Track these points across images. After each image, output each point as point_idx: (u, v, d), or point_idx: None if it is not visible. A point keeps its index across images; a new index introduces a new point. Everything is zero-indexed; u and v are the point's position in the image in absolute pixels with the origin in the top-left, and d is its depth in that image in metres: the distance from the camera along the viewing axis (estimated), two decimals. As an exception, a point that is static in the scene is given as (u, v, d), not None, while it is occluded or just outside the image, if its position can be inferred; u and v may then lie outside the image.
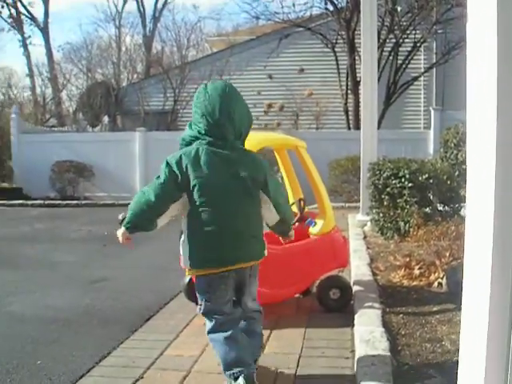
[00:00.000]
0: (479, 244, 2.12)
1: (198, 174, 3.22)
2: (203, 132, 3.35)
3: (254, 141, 4.97)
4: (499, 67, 1.98)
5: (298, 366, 3.71)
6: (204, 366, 3.74)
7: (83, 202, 15.31)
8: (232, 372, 3.14)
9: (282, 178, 5.68)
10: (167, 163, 3.33)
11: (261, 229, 3.50)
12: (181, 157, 3.31)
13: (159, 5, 32.31)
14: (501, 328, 2.05)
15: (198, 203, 3.22)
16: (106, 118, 21.11)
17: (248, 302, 3.50)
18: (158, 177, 3.32)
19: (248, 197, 3.32)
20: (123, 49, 24.47)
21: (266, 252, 3.56)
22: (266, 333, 4.33)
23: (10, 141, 17.05)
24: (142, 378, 3.61)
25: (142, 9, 31.83)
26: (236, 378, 3.10)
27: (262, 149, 5.32)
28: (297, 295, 5.15)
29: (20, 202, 15.03)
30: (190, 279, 4.99)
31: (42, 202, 15.03)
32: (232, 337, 3.23)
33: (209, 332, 3.38)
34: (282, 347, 4.07)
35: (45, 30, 29.07)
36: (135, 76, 23.31)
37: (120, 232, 3.53)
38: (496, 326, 2.05)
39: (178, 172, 3.26)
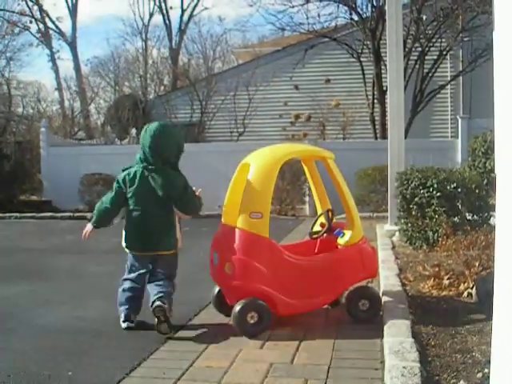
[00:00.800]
0: (510, 253, 2.11)
1: (131, 188, 4.97)
2: (141, 159, 5.02)
3: (281, 153, 5.01)
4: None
5: (327, 377, 3.71)
6: (234, 378, 3.75)
7: (112, 214, 15.39)
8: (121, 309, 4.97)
9: (310, 188, 5.70)
10: (117, 180, 5.10)
11: (169, 228, 5.01)
12: (125, 176, 5.04)
13: (185, 17, 32.62)
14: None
15: (130, 207, 5.03)
16: (133, 131, 21.26)
17: (158, 274, 5.04)
18: (112, 190, 5.13)
19: (159, 205, 4.93)
20: (150, 62, 24.70)
21: (176, 245, 5.09)
22: (294, 344, 4.36)
23: (39, 154, 17.26)
24: (173, 389, 3.63)
25: (168, 22, 32.14)
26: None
27: (289, 160, 5.36)
28: (326, 306, 5.15)
29: (49, 214, 15.15)
30: (219, 290, 5.03)
31: (71, 214, 15.12)
32: (126, 290, 5.05)
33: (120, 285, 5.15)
34: (311, 358, 4.07)
35: (73, 45, 29.46)
36: (162, 88, 23.48)
37: (88, 226, 5.36)
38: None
39: (122, 186, 5.03)
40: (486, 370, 3.20)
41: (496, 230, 2.25)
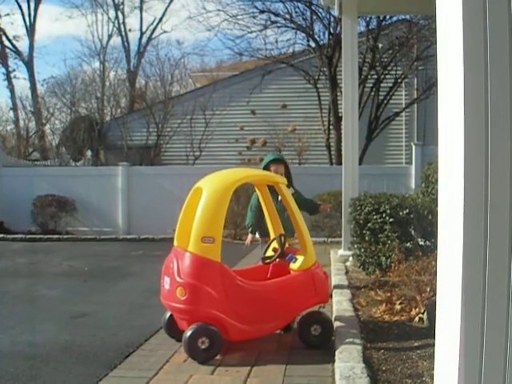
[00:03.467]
0: (450, 279, 2.14)
1: None
2: None
3: (233, 177, 5.00)
4: (466, 107, 2.03)
5: (278, 403, 3.69)
6: (183, 404, 3.71)
7: (65, 236, 15.19)
8: None
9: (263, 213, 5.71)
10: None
11: None
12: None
13: (144, 40, 32.57)
14: (472, 362, 2.06)
15: None
16: (89, 153, 21.07)
17: None
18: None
19: None
20: (107, 83, 24.53)
21: None
22: (246, 369, 4.33)
23: (-8, 174, 16.98)
24: (121, 416, 3.56)
25: (126, 44, 32.06)
26: None
27: (242, 184, 5.36)
28: (278, 331, 5.13)
29: (1, 236, 14.88)
30: (171, 315, 4.97)
31: (23, 236, 14.88)
32: None
33: None
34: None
35: (29, 64, 29.10)
36: (119, 111, 23.34)
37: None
38: (468, 360, 2.07)
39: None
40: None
41: (438, 256, 2.28)
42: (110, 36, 32.03)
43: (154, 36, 32.97)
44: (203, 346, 4.47)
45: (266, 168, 6.21)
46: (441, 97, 2.24)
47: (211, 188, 4.77)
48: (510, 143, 2.03)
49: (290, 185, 5.99)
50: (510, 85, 2.02)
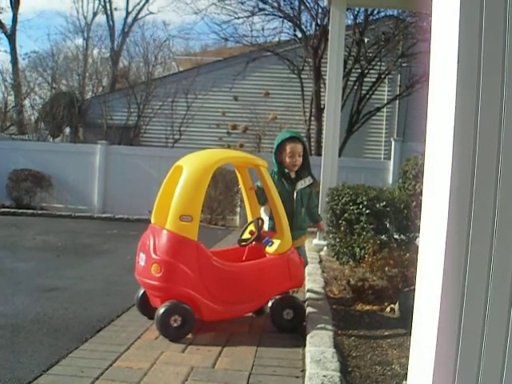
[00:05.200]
0: (430, 272, 2.16)
1: None
2: None
3: (214, 157, 5.00)
4: (457, 103, 2.04)
5: (248, 382, 3.70)
6: (153, 379, 3.71)
7: (39, 211, 15.08)
8: None
9: (242, 199, 5.71)
10: None
11: None
12: None
13: (129, 20, 32.35)
14: (448, 354, 2.09)
15: None
16: (67, 129, 20.90)
17: None
18: None
19: None
20: (90, 61, 24.35)
21: None
22: (217, 349, 4.35)
23: (-34, 146, 16.79)
24: (90, 387, 3.56)
25: (111, 23, 31.82)
26: None
27: (223, 165, 5.35)
28: (250, 314, 5.15)
29: (-26, 208, 14.76)
30: (144, 292, 4.96)
31: (-4, 209, 14.78)
32: None
33: None
34: (232, 364, 4.05)
35: (11, 37, 28.76)
36: (100, 89, 23.18)
37: None
38: (443, 352, 2.09)
39: None
40: (404, 383, 3.25)
41: (419, 249, 2.30)
42: (95, 13, 31.84)
43: (139, 16, 32.84)
44: (175, 324, 4.48)
45: (280, 146, 5.53)
46: (431, 95, 2.25)
47: (192, 167, 4.76)
48: (497, 141, 2.04)
49: (308, 173, 5.66)
50: (501, 89, 2.04)
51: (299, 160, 5.50)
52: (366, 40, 17.82)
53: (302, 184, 5.54)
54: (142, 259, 4.74)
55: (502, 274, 2.05)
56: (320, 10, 17.53)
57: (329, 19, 10.41)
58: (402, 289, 5.56)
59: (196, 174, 4.69)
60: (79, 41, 32.17)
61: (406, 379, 2.64)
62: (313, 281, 6.38)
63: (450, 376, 2.09)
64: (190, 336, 4.58)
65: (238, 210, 14.53)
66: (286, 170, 5.54)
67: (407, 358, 2.54)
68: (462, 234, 2.05)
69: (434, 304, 2.12)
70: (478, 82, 2.03)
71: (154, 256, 4.56)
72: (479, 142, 2.04)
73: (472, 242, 2.05)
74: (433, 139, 2.22)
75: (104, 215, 15.06)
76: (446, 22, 2.12)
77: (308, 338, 4.32)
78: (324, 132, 9.90)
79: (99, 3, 32.08)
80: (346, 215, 7.56)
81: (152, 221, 4.94)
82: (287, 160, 5.48)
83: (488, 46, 2.03)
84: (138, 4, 33.03)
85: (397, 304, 5.27)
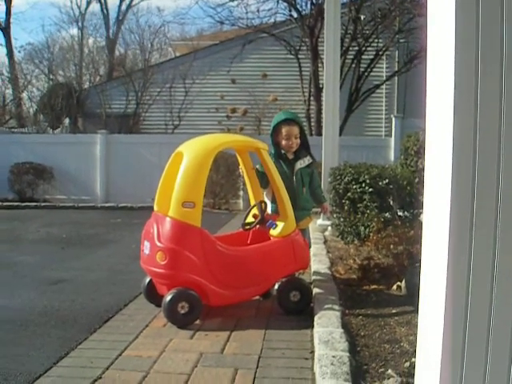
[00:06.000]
0: (435, 247, 2.15)
1: None
2: None
3: (215, 142, 4.98)
4: (456, 75, 2.02)
5: (257, 366, 3.70)
6: (163, 367, 3.71)
7: (42, 204, 15.10)
8: None
9: (244, 182, 5.69)
10: None
11: None
12: None
13: (123, 7, 32.20)
14: (455, 329, 2.08)
15: None
16: (67, 120, 20.85)
17: None
18: None
19: None
20: (86, 51, 24.23)
21: None
22: (225, 334, 4.35)
23: (-33, 141, 16.77)
24: (101, 378, 3.55)
25: (105, 11, 31.67)
26: None
27: (223, 149, 5.33)
28: (257, 297, 5.15)
29: (-23, 203, 14.76)
30: (150, 280, 4.96)
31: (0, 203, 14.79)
32: None
33: None
34: (241, 348, 4.06)
35: (6, 30, 28.65)
36: (97, 78, 23.09)
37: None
38: (451, 327, 2.08)
39: None
40: (414, 360, 3.25)
41: (423, 226, 2.29)
42: (88, 2, 31.69)
43: (133, 3, 32.68)
44: (183, 311, 4.48)
45: (276, 129, 5.49)
46: (430, 63, 2.23)
47: (192, 153, 4.74)
48: (498, 117, 2.02)
49: (307, 152, 5.62)
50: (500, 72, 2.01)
51: (296, 142, 5.47)
52: (362, 17, 17.71)
53: (300, 164, 5.50)
54: (146, 247, 4.74)
55: (509, 246, 2.04)
56: (315, -11, 17.42)
57: (324, -2, 10.33)
58: (408, 266, 5.54)
59: (196, 160, 4.67)
60: (74, 31, 32.09)
61: (415, 356, 2.64)
62: (318, 261, 6.37)
63: (458, 352, 2.08)
64: (197, 322, 4.59)
65: (241, 193, 14.51)
66: (283, 152, 5.51)
67: (415, 335, 2.53)
68: (465, 210, 2.04)
69: (439, 281, 2.11)
70: (477, 58, 2.01)
71: (158, 244, 4.55)
72: (480, 119, 2.02)
73: (476, 218, 2.04)
74: (433, 115, 2.20)
75: (107, 204, 15.07)
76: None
77: (316, 319, 4.32)
78: (323, 111, 9.86)
79: (93, -9, 31.93)
80: (349, 194, 7.53)
81: (155, 208, 4.93)
82: (283, 142, 5.46)
83: (486, 19, 2.00)
84: (132, -9, 32.85)
85: (403, 281, 5.26)
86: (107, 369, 3.69)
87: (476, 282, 2.05)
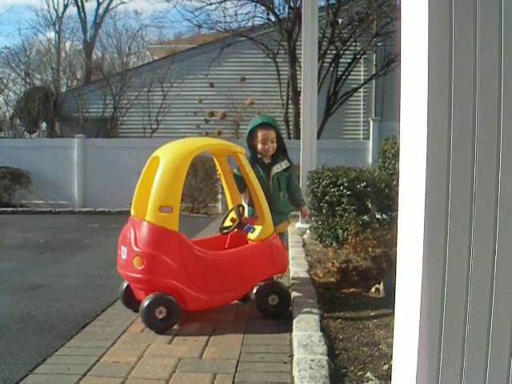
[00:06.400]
0: (410, 249, 2.16)
1: None
2: None
3: (191, 146, 4.96)
4: (430, 78, 2.02)
5: (236, 370, 3.69)
6: (141, 373, 3.69)
7: (19, 209, 14.96)
8: None
9: (222, 186, 5.66)
10: None
11: None
12: None
13: (101, 11, 32.05)
14: (431, 331, 2.08)
15: None
16: (44, 124, 20.72)
17: None
18: None
19: None
20: (63, 54, 24.11)
21: None
22: (204, 339, 4.33)
23: None
24: (78, 384, 3.53)
25: (83, 14, 31.50)
26: None
27: (200, 153, 5.31)
28: (236, 301, 5.14)
29: (-48, 208, 14.59)
30: (128, 286, 4.93)
31: (-25, 208, 14.63)
32: None
33: None
34: (220, 352, 4.04)
35: (-18, 34, 28.44)
36: (75, 82, 22.99)
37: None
38: (426, 329, 2.09)
39: None
40: (392, 362, 3.25)
41: (398, 227, 2.29)
42: (65, 6, 31.48)
43: (111, 7, 32.53)
44: (161, 316, 4.45)
45: (252, 133, 5.47)
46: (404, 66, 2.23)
47: (169, 157, 4.71)
48: (472, 119, 2.03)
49: (284, 156, 5.59)
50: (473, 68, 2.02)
51: (272, 146, 5.44)
52: (339, 21, 17.77)
53: (277, 168, 5.49)
54: (123, 252, 4.70)
55: (483, 248, 2.05)
56: (292, -7, 17.46)
57: (301, 1, 10.36)
58: (387, 268, 5.56)
59: (173, 164, 4.65)
60: (51, 34, 31.90)
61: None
62: (297, 265, 6.38)
63: (434, 354, 2.09)
64: (176, 327, 4.56)
65: (220, 197, 14.49)
66: (260, 156, 5.50)
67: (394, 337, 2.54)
68: (439, 211, 2.05)
69: (414, 283, 2.11)
70: (451, 60, 2.01)
71: (135, 248, 4.52)
72: (454, 121, 2.02)
73: (450, 219, 2.04)
74: (406, 118, 2.21)
75: (85, 209, 14.98)
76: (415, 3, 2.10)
77: (294, 322, 4.31)
78: (301, 115, 9.86)
79: (70, -5, 31.74)
80: (327, 197, 7.54)
81: (132, 213, 4.90)
82: (259, 146, 5.43)
83: (459, 21, 2.01)
84: (109, -6, 32.70)
85: (381, 284, 5.28)
86: (84, 375, 3.65)
87: (451, 282, 2.06)
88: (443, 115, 2.02)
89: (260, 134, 5.42)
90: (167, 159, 4.68)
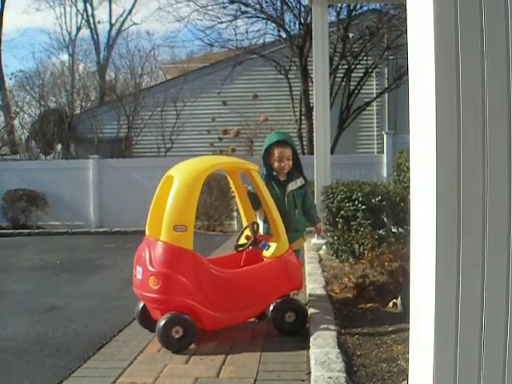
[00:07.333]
0: (422, 263, 2.14)
1: None
2: None
3: (205, 165, 4.96)
4: (437, 88, 2.02)
5: (253, 390, 3.67)
6: (158, 393, 3.67)
7: (36, 230, 15.05)
8: None
9: (236, 201, 5.65)
10: None
11: None
12: None
13: (113, 32, 32.33)
14: (447, 344, 2.05)
15: None
16: (59, 146, 20.84)
17: None
18: None
19: None
20: (77, 76, 24.28)
21: None
22: (220, 358, 4.30)
23: (-40, 169, 16.73)
24: (94, 406, 3.52)
25: (95, 36, 31.80)
26: None
27: (213, 171, 5.31)
28: (252, 319, 5.11)
29: (-29, 232, 14.69)
30: (144, 306, 4.92)
31: (-7, 231, 14.72)
32: None
33: None
34: (237, 372, 4.01)
35: (-3, 58, 28.67)
36: (89, 103, 23.12)
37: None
38: (442, 343, 2.06)
39: None
40: (410, 379, 3.21)
41: (410, 241, 2.27)
42: (78, 28, 31.83)
43: (123, 28, 32.85)
44: (177, 336, 4.43)
45: (268, 151, 5.44)
46: (412, 90, 2.23)
47: (182, 176, 4.72)
48: (481, 130, 2.01)
49: (300, 174, 5.58)
50: (481, 74, 2.01)
51: (288, 164, 5.43)
52: (350, 35, 17.82)
53: (292, 185, 5.47)
54: (138, 272, 4.70)
55: (496, 261, 2.02)
56: (303, 9, 17.57)
57: (312, 17, 10.38)
58: (404, 282, 5.51)
59: (187, 183, 4.65)
60: (64, 56, 32.15)
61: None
62: (313, 281, 6.34)
63: (450, 369, 2.06)
64: (192, 346, 4.54)
65: (235, 214, 14.48)
66: (275, 173, 5.49)
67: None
68: (452, 223, 2.03)
69: (429, 297, 2.09)
70: (458, 71, 2.00)
71: (150, 268, 4.51)
72: (463, 131, 2.01)
73: (463, 230, 2.03)
74: (416, 131, 2.20)
75: (101, 229, 15.03)
76: (421, 12, 2.09)
77: (311, 339, 4.28)
78: (315, 130, 9.86)
79: (82, 18, 32.11)
80: (342, 212, 7.51)
81: (146, 233, 4.90)
82: (275, 164, 5.42)
83: (464, 32, 2.00)
84: (121, 16, 33.10)
85: (399, 298, 5.23)
86: (101, 397, 3.65)
87: (465, 294, 2.04)
88: (452, 125, 2.01)
89: (276, 152, 5.39)
90: (181, 178, 4.68)
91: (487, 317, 2.03)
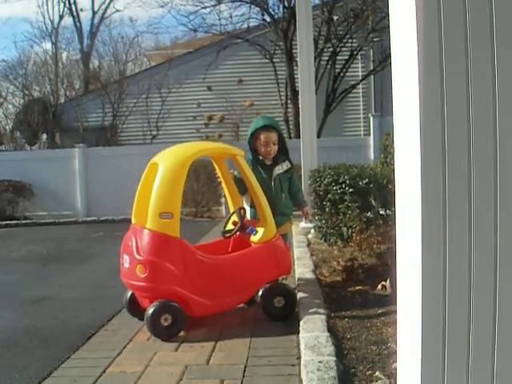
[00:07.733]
0: (409, 243, 2.12)
1: None
2: None
3: (189, 151, 4.92)
4: (420, 72, 1.99)
5: (243, 376, 3.65)
6: (147, 382, 3.65)
7: (23, 221, 14.95)
8: None
9: (223, 187, 5.62)
10: None
11: None
12: None
13: (96, 20, 32.04)
14: (434, 326, 2.04)
15: None
16: (44, 136, 20.69)
17: None
18: None
19: None
20: (60, 65, 24.07)
21: None
22: (210, 344, 4.29)
23: None
24: (84, 397, 3.49)
25: (78, 24, 31.49)
26: None
27: (198, 157, 5.27)
28: (241, 305, 5.10)
29: (-44, 223, 14.58)
30: (132, 294, 4.89)
31: (-21, 223, 14.61)
32: None
33: None
34: (227, 358, 4.00)
35: (-22, 49, 28.46)
36: (73, 92, 22.96)
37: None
38: (429, 324, 2.05)
39: None
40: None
41: (396, 223, 2.26)
42: (61, 16, 31.39)
43: (106, 15, 32.48)
44: (166, 323, 4.42)
45: (254, 135, 5.42)
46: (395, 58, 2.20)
47: (167, 163, 4.68)
48: (466, 113, 1.99)
49: (286, 157, 5.57)
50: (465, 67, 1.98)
51: (274, 148, 5.41)
52: (335, 18, 17.73)
53: (279, 169, 5.45)
54: (126, 261, 4.67)
55: (483, 240, 2.01)
56: (286, -8, 17.44)
57: (295, 0, 10.33)
58: (392, 264, 5.51)
59: (172, 170, 4.61)
60: (47, 45, 31.87)
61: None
62: (302, 265, 6.33)
63: (439, 350, 2.05)
64: (182, 334, 4.53)
65: (223, 200, 14.42)
66: (261, 158, 5.46)
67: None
68: (438, 208, 2.01)
69: (415, 278, 2.08)
70: (441, 55, 1.98)
71: (137, 257, 4.49)
72: (447, 114, 1.99)
73: (449, 215, 2.01)
74: (399, 112, 2.18)
75: (89, 219, 14.97)
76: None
77: (301, 323, 4.27)
78: (301, 114, 9.82)
79: (64, 6, 31.72)
80: (329, 196, 7.49)
81: (132, 221, 4.87)
82: (262, 149, 5.40)
83: (448, 15, 1.97)
84: (104, 3, 32.71)
85: (388, 280, 5.23)
86: (91, 387, 3.63)
87: (452, 278, 2.02)
88: (436, 108, 1.99)
89: (262, 136, 5.38)
90: (165, 166, 4.64)
91: (474, 298, 2.02)
